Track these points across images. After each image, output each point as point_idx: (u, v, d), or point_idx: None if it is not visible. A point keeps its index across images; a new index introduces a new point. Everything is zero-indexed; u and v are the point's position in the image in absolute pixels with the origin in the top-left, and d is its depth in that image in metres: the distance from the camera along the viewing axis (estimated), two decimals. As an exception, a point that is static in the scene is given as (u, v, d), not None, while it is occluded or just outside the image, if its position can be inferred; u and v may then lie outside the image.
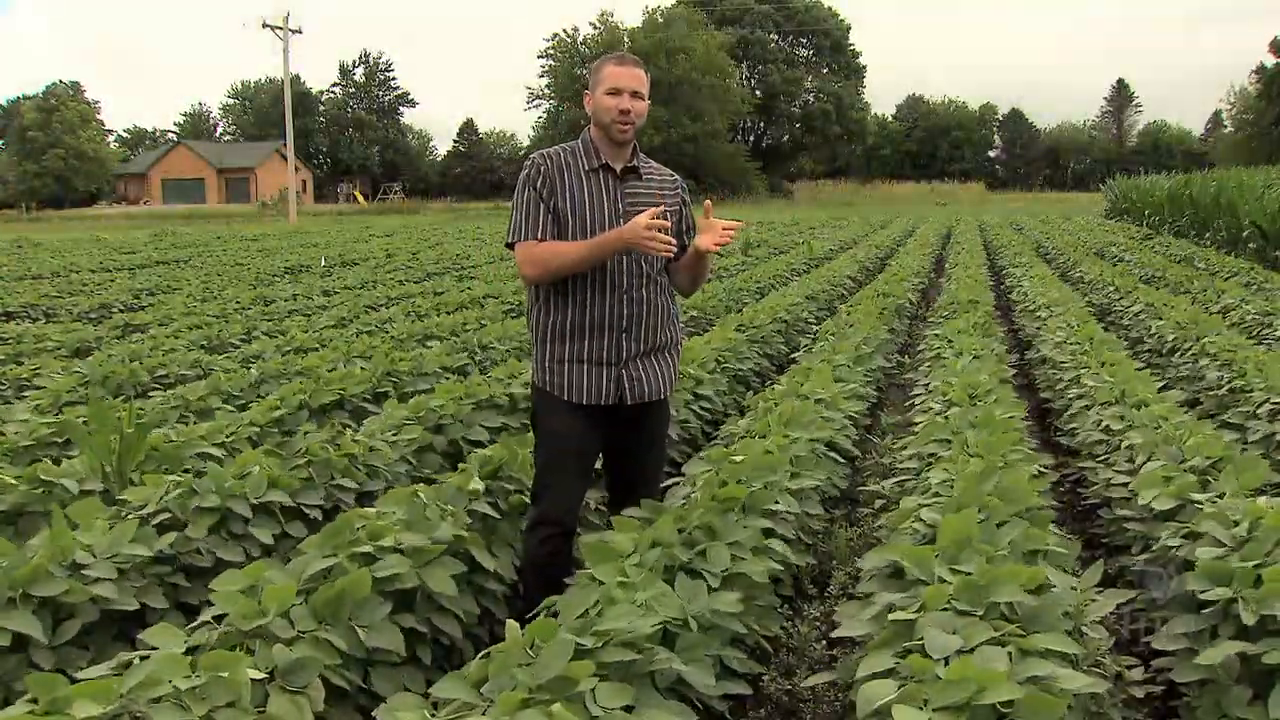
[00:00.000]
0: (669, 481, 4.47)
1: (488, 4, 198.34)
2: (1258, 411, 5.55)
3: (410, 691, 2.61)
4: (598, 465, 3.73)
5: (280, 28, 45.89)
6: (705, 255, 3.41)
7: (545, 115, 68.23)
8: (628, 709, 2.27)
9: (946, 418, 4.84)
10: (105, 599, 2.98)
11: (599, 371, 3.36)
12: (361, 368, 6.58)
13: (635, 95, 3.33)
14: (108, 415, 4.08)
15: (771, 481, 3.81)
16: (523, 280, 3.46)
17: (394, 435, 4.81)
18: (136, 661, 2.26)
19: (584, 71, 61.67)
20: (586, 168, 3.37)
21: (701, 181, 61.72)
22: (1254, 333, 8.52)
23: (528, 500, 3.85)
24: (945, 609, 2.51)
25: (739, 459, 3.98)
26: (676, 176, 3.63)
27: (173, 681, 2.19)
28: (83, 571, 3.01)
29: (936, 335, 8.27)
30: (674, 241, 3.26)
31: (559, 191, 3.33)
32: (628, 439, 3.54)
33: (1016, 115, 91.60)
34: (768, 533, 3.45)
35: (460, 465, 4.24)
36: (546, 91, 68.06)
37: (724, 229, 3.31)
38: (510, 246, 3.37)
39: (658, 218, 3.21)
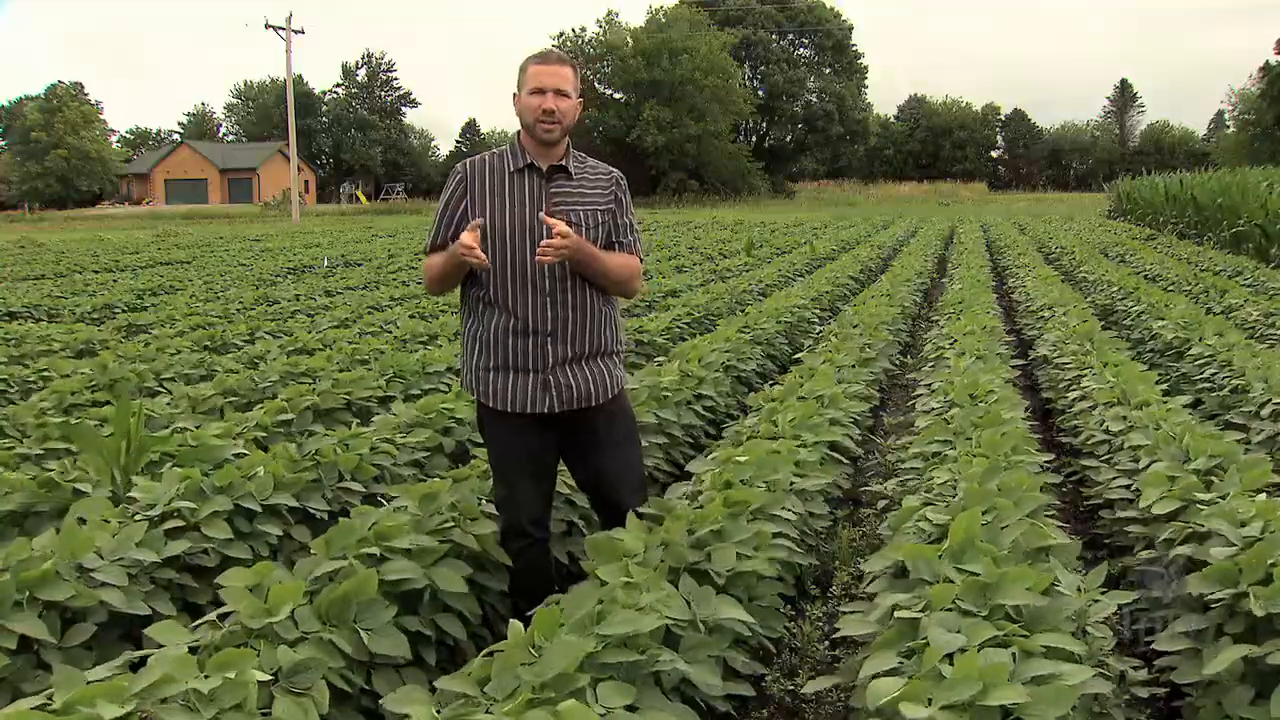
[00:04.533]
0: (673, 481, 4.50)
1: (490, 4, 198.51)
2: (1260, 412, 5.56)
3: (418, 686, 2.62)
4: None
5: (283, 28, 45.98)
6: (591, 257, 3.25)
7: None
8: (631, 709, 2.28)
9: (949, 418, 4.85)
10: (112, 606, 2.98)
11: (524, 378, 3.28)
12: (367, 369, 6.59)
13: (559, 94, 3.25)
14: (126, 416, 4.10)
15: (775, 482, 3.82)
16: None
17: (403, 437, 4.81)
18: (152, 661, 2.27)
19: (588, 72, 61.85)
20: (512, 168, 3.31)
21: (704, 182, 61.79)
22: (1256, 333, 8.53)
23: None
24: (950, 609, 2.52)
25: (743, 459, 3.99)
26: (615, 174, 3.49)
27: (185, 682, 2.20)
28: (91, 574, 3.02)
29: (939, 335, 8.28)
30: (484, 259, 3.14)
31: (476, 197, 3.28)
32: (579, 446, 3.45)
33: (1019, 115, 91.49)
34: (775, 535, 3.46)
35: (463, 467, 4.26)
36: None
37: (544, 245, 3.13)
38: None
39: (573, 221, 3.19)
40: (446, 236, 3.33)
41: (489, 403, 3.34)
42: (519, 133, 3.37)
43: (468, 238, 3.13)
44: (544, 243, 3.16)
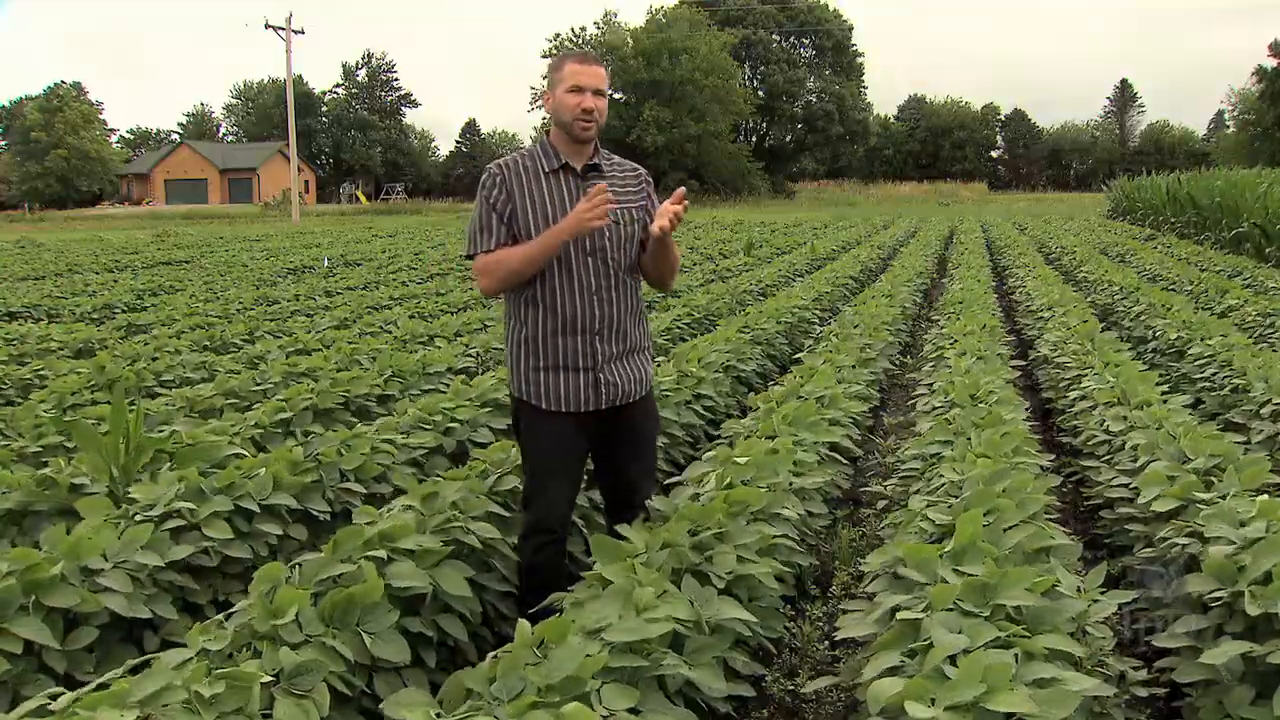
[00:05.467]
0: (671, 481, 4.49)
1: (490, 4, 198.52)
2: (1260, 412, 5.56)
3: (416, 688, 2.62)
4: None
5: (283, 28, 46.00)
6: (663, 243, 3.34)
7: (548, 116, 68.16)
8: (634, 711, 2.28)
9: (950, 418, 4.85)
10: (116, 610, 2.99)
11: (575, 377, 3.33)
12: (364, 370, 6.59)
13: (597, 93, 3.31)
14: (122, 416, 4.10)
15: (775, 483, 3.82)
16: (482, 293, 3.45)
17: (403, 437, 4.81)
18: (155, 666, 2.27)
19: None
20: (546, 169, 3.34)
21: (704, 182, 61.75)
22: (1256, 333, 8.52)
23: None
24: (951, 609, 2.52)
25: (742, 460, 3.99)
26: (641, 169, 3.55)
27: (190, 687, 2.20)
28: (95, 579, 3.02)
29: (939, 335, 8.28)
30: (613, 201, 3.20)
31: (517, 199, 3.30)
32: (613, 441, 3.51)
33: (1019, 115, 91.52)
34: (773, 538, 3.46)
35: (464, 466, 4.26)
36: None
37: (670, 209, 3.21)
38: (470, 259, 3.38)
39: (618, 210, 3.21)
40: (506, 237, 3.31)
41: (541, 404, 3.36)
42: (547, 131, 3.41)
43: (598, 198, 3.15)
44: (670, 207, 3.20)
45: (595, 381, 3.34)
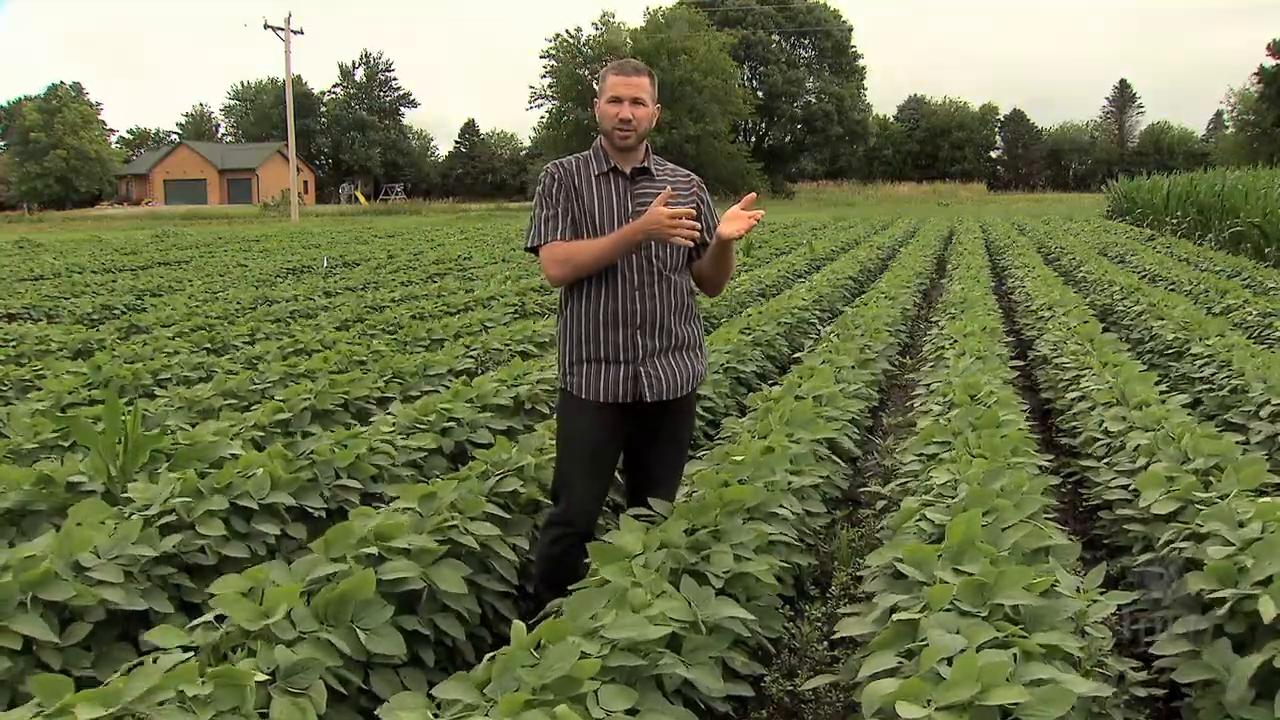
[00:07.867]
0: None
1: (490, 4, 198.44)
2: (1259, 412, 5.56)
3: (412, 692, 2.61)
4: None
5: (282, 28, 46.01)
6: (728, 248, 3.42)
7: (547, 116, 68.25)
8: (631, 711, 2.27)
9: (948, 419, 4.84)
10: (112, 603, 2.99)
11: (615, 370, 3.40)
12: (365, 370, 6.58)
13: (636, 102, 3.39)
14: (117, 415, 4.09)
15: (772, 482, 3.82)
16: (549, 281, 3.51)
17: (403, 439, 4.81)
18: (150, 665, 2.26)
19: (586, 72, 61.80)
20: (597, 172, 3.45)
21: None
22: (1255, 333, 8.52)
23: (534, 500, 3.88)
24: (949, 609, 2.51)
25: (739, 459, 3.99)
26: (694, 176, 3.65)
27: (180, 688, 2.19)
28: (88, 573, 3.02)
29: (939, 336, 8.28)
30: (697, 227, 3.29)
31: (573, 197, 3.41)
32: (648, 437, 3.56)
33: (1018, 116, 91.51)
34: (770, 536, 3.46)
35: (463, 467, 4.25)
36: (549, 92, 68.10)
37: (748, 215, 3.29)
38: (532, 250, 3.44)
39: (672, 205, 3.24)
40: (572, 231, 3.39)
41: (580, 394, 3.44)
42: (601, 137, 3.50)
43: (674, 210, 3.20)
44: (741, 213, 3.28)
45: (635, 375, 3.40)
